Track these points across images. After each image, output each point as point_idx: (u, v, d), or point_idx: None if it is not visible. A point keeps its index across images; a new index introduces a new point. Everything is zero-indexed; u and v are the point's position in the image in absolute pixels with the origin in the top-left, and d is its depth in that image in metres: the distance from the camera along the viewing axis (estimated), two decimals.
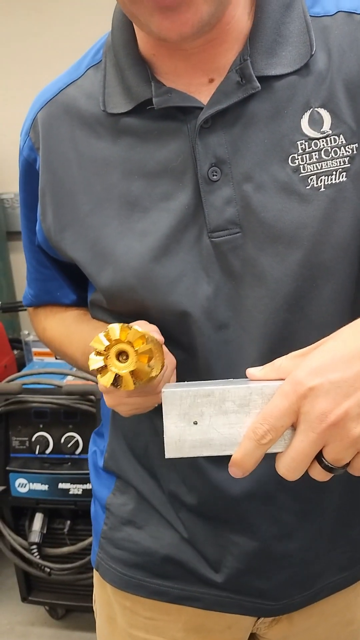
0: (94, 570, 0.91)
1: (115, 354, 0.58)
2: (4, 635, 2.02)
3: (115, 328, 0.57)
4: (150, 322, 0.71)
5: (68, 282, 0.86)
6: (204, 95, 0.66)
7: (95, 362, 0.58)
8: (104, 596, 0.91)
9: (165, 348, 0.64)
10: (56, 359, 2.01)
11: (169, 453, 0.56)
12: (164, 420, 0.56)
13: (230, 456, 0.55)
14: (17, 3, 2.59)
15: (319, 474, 0.54)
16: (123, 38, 0.69)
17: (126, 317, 0.74)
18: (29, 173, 0.78)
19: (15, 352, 2.35)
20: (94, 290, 0.78)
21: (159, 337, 0.62)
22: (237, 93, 0.64)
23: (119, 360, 0.58)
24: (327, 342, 0.54)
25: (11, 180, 2.72)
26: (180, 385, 0.57)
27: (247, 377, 0.58)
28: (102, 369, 0.58)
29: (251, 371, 0.57)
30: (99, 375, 0.59)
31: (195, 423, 0.55)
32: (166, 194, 0.68)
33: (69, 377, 1.84)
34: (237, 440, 0.54)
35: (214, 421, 0.55)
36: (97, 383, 0.94)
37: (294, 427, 0.52)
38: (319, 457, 0.52)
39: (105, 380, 0.58)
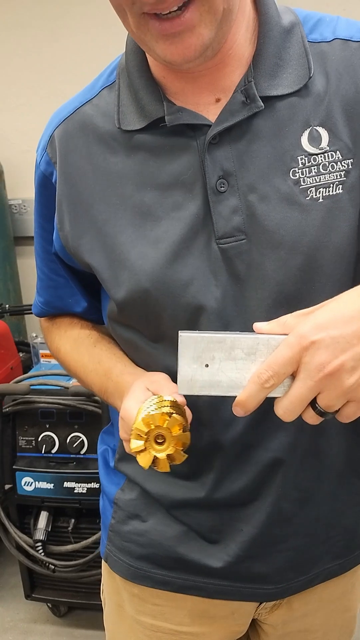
0: (103, 561, 0.96)
1: (154, 437, 0.65)
2: (7, 632, 2.06)
3: (157, 415, 0.64)
4: (160, 331, 0.76)
5: (80, 289, 0.91)
6: (211, 113, 0.72)
7: (136, 444, 0.65)
8: (113, 585, 0.96)
9: None
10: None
11: (182, 390, 0.64)
12: (178, 360, 0.63)
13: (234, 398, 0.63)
14: (30, 15, 2.66)
15: (311, 418, 0.62)
16: (136, 61, 0.75)
17: (138, 330, 0.79)
18: (45, 186, 0.84)
19: (21, 354, 2.39)
20: (107, 301, 0.82)
21: (181, 399, 0.68)
22: (243, 112, 0.70)
23: (157, 442, 0.65)
24: (330, 303, 0.62)
25: (19, 187, 2.77)
26: (195, 332, 0.64)
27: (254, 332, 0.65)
28: (142, 451, 0.66)
29: (258, 325, 0.65)
30: (137, 456, 0.66)
31: (207, 366, 0.63)
32: (177, 204, 0.73)
33: (75, 379, 1.88)
34: (242, 384, 0.62)
35: (223, 365, 0.63)
36: None
37: (292, 376, 0.60)
38: (312, 404, 0.61)
39: (144, 462, 0.66)
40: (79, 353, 0.91)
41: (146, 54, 0.74)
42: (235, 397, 0.63)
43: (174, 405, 0.66)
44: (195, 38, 0.63)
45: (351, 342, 0.58)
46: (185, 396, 0.67)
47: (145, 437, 0.65)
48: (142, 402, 0.68)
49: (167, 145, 0.73)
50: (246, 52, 0.72)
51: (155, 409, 0.65)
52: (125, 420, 0.71)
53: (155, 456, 0.66)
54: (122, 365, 0.83)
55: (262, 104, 0.69)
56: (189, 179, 0.73)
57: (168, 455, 0.65)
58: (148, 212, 0.74)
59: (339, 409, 0.61)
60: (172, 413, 0.65)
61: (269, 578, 0.85)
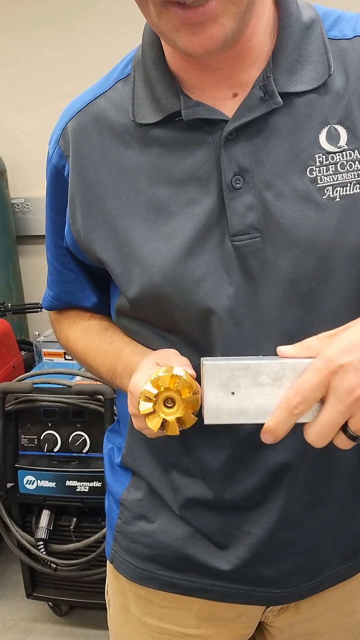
0: (108, 562, 0.95)
1: (163, 401, 0.64)
2: (8, 631, 2.05)
3: (166, 377, 0.63)
4: (174, 324, 0.76)
5: (90, 284, 0.90)
6: (228, 108, 0.71)
7: (145, 407, 0.64)
8: (119, 586, 0.95)
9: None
10: (65, 359, 2.06)
11: (208, 420, 0.63)
12: (204, 389, 0.62)
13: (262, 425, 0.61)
14: (35, 16, 2.65)
15: (343, 443, 0.61)
16: (153, 54, 0.74)
17: (150, 322, 0.79)
18: (56, 179, 0.83)
19: (23, 353, 2.39)
20: (117, 295, 0.82)
21: (191, 372, 0.67)
22: (260, 107, 0.69)
23: (166, 406, 0.64)
24: (355, 324, 0.61)
25: (21, 186, 2.77)
26: (218, 359, 0.63)
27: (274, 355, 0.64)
28: (151, 414, 0.64)
29: (282, 349, 0.64)
30: (147, 419, 0.65)
31: (233, 393, 0.62)
32: (191, 199, 0.72)
33: (78, 377, 1.88)
34: (269, 410, 0.61)
35: (249, 392, 0.61)
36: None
37: (321, 400, 0.59)
38: (344, 428, 0.59)
39: (153, 425, 0.65)
40: (89, 338, 0.90)
41: (163, 47, 0.73)
42: (263, 424, 0.62)
43: (185, 373, 0.65)
44: (218, 29, 0.62)
45: None
46: None
47: (155, 399, 0.64)
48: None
49: (183, 140, 0.72)
50: (265, 46, 0.71)
51: (164, 372, 0.64)
52: (134, 393, 0.69)
53: (164, 419, 0.64)
54: (134, 346, 0.82)
55: (281, 100, 0.68)
56: (204, 175, 0.72)
57: (178, 419, 0.64)
58: (162, 207, 0.73)
59: None
60: (181, 376, 0.64)
61: (277, 582, 0.84)
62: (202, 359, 0.64)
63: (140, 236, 0.74)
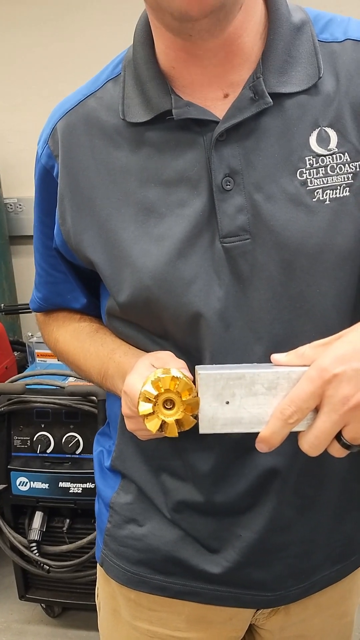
0: (98, 565, 0.94)
1: (163, 402, 0.64)
2: (0, 633, 2.04)
3: (167, 378, 0.63)
4: (163, 326, 0.75)
5: (80, 285, 0.89)
6: (219, 109, 0.71)
7: (144, 407, 0.64)
8: (109, 590, 0.94)
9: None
10: (58, 360, 2.05)
11: (203, 429, 0.63)
12: (199, 399, 0.62)
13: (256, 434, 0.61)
14: (29, 15, 2.64)
15: (337, 451, 0.61)
16: (144, 52, 0.73)
17: (140, 325, 0.78)
18: (45, 180, 0.82)
19: (16, 354, 2.38)
20: (107, 297, 0.81)
21: (189, 374, 0.66)
22: (251, 108, 0.68)
23: (166, 408, 0.64)
24: (348, 333, 0.61)
25: (14, 186, 2.76)
26: (213, 368, 0.63)
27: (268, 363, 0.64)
28: (150, 415, 0.64)
29: (276, 357, 0.63)
30: (145, 420, 0.64)
31: (227, 403, 0.62)
32: (181, 201, 0.72)
33: (71, 379, 1.87)
34: (264, 419, 0.61)
35: (244, 402, 0.61)
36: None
37: (316, 409, 0.59)
38: (338, 436, 0.59)
39: (152, 426, 0.64)
40: (79, 340, 0.89)
41: (155, 46, 0.73)
42: (258, 432, 0.62)
43: (183, 375, 0.65)
44: None
45: None
46: None
47: (154, 400, 0.64)
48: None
49: (173, 141, 0.72)
50: (256, 46, 0.70)
51: (163, 373, 0.64)
52: (129, 394, 0.69)
53: (163, 420, 0.64)
54: (126, 347, 0.81)
55: (271, 100, 0.68)
56: (194, 176, 0.71)
57: (177, 421, 0.64)
58: (152, 208, 0.73)
59: None
60: (181, 378, 0.63)
61: (268, 585, 0.84)
62: (196, 367, 0.63)
63: (130, 237, 0.74)
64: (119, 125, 0.75)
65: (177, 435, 0.65)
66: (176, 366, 0.67)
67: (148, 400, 0.64)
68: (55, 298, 0.92)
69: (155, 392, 0.63)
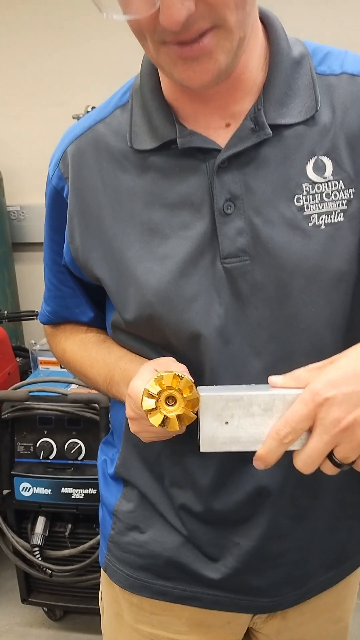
0: (102, 570, 0.98)
1: (165, 398, 0.67)
2: (3, 636, 2.07)
3: (169, 376, 0.67)
4: (166, 341, 0.79)
5: (87, 300, 0.93)
6: (221, 138, 0.74)
7: (147, 403, 0.67)
8: (112, 594, 0.98)
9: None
10: (61, 367, 2.08)
11: (204, 448, 0.67)
12: (199, 419, 0.66)
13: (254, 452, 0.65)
14: (30, 24, 2.68)
15: (329, 469, 0.65)
16: (150, 84, 0.77)
17: (144, 338, 0.82)
18: (56, 200, 0.86)
19: (19, 359, 2.41)
20: (112, 310, 0.85)
21: (189, 377, 0.70)
22: (251, 138, 0.72)
23: (168, 404, 0.67)
24: (340, 359, 0.64)
25: (17, 194, 2.80)
26: (213, 390, 0.67)
27: (265, 384, 0.68)
28: (153, 410, 0.68)
29: (273, 379, 0.67)
30: (149, 415, 0.68)
31: (227, 423, 0.66)
32: (185, 223, 0.76)
33: (74, 386, 1.91)
34: (261, 439, 0.65)
35: (242, 422, 0.65)
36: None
37: (309, 430, 0.63)
38: (329, 455, 0.63)
39: (154, 421, 0.68)
40: (86, 349, 0.93)
41: (160, 78, 0.77)
42: (255, 451, 0.66)
43: (184, 375, 0.68)
44: (213, 63, 0.65)
45: None
46: None
47: (157, 396, 0.67)
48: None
49: (178, 167, 0.76)
50: (257, 79, 0.74)
51: (166, 372, 0.67)
52: (133, 397, 0.72)
53: (165, 416, 0.68)
54: (132, 355, 0.85)
55: (271, 131, 0.72)
56: (197, 200, 0.75)
57: (178, 416, 0.67)
58: (156, 229, 0.77)
59: (355, 460, 0.64)
60: (183, 376, 0.67)
61: (264, 591, 0.87)
62: (198, 388, 0.67)
63: (135, 256, 0.78)
64: (126, 151, 0.78)
65: (178, 429, 0.68)
66: (178, 369, 0.71)
67: (151, 396, 0.67)
68: (64, 311, 0.96)
69: (158, 389, 0.67)
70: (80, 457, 1.79)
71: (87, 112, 2.42)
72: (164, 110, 0.76)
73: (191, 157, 0.75)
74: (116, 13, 0.63)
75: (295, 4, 2.45)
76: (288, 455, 0.66)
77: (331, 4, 2.46)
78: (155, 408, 0.67)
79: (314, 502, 0.84)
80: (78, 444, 1.78)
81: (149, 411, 0.68)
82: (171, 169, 0.76)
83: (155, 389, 0.67)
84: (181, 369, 0.72)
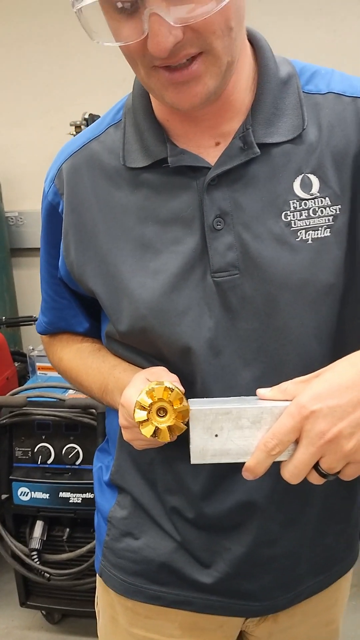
0: (98, 576, 1.00)
1: (156, 410, 0.69)
2: (2, 639, 2.09)
3: (160, 388, 0.69)
4: (159, 352, 0.81)
5: (83, 311, 0.96)
6: (211, 156, 0.77)
7: (139, 414, 0.70)
8: (107, 599, 1.00)
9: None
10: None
11: (194, 460, 0.69)
12: (190, 432, 0.68)
13: (243, 463, 0.67)
14: (30, 32, 2.70)
15: (316, 479, 0.67)
16: (142, 104, 0.80)
17: (137, 348, 0.84)
18: (52, 215, 0.88)
19: (17, 364, 2.43)
20: (107, 322, 0.87)
21: (180, 387, 0.72)
22: (240, 157, 0.75)
23: (159, 416, 0.70)
24: (325, 372, 0.66)
25: (16, 200, 2.82)
26: (204, 403, 0.69)
27: (254, 396, 0.70)
28: (145, 422, 0.70)
29: (261, 391, 0.70)
30: (140, 426, 0.70)
31: (216, 435, 0.68)
32: (176, 238, 0.78)
33: (71, 391, 1.92)
34: (250, 450, 0.67)
35: (231, 434, 0.67)
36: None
37: (296, 441, 0.65)
38: (316, 466, 0.65)
39: (146, 432, 0.70)
40: (81, 358, 0.95)
41: (151, 99, 0.79)
42: (244, 462, 0.68)
43: (175, 387, 0.70)
44: (201, 87, 0.68)
45: (347, 410, 0.62)
46: None
47: (149, 408, 0.69)
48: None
49: (169, 184, 0.78)
50: (246, 99, 0.76)
51: (157, 384, 0.70)
52: (125, 406, 0.75)
53: (157, 427, 0.70)
54: (126, 364, 0.87)
55: (259, 150, 0.74)
56: (188, 216, 0.77)
57: (169, 427, 0.70)
58: (149, 244, 0.79)
59: (340, 470, 0.66)
60: (174, 388, 0.69)
61: (255, 595, 0.89)
62: (188, 401, 0.69)
63: (128, 270, 0.80)
64: (120, 168, 0.81)
65: (169, 440, 0.71)
66: (169, 379, 0.73)
67: (143, 408, 0.70)
68: (60, 322, 0.99)
69: (149, 401, 0.69)
70: (78, 462, 1.81)
71: (85, 119, 2.45)
72: (156, 129, 0.78)
73: (182, 174, 0.77)
74: (106, 40, 0.65)
75: (291, 19, 2.48)
76: (277, 464, 0.68)
77: (325, 13, 2.49)
78: (147, 419, 0.70)
79: (303, 509, 0.87)
80: (76, 449, 1.80)
81: (141, 422, 0.70)
82: (163, 186, 0.78)
83: (146, 401, 0.69)
84: (173, 379, 0.75)
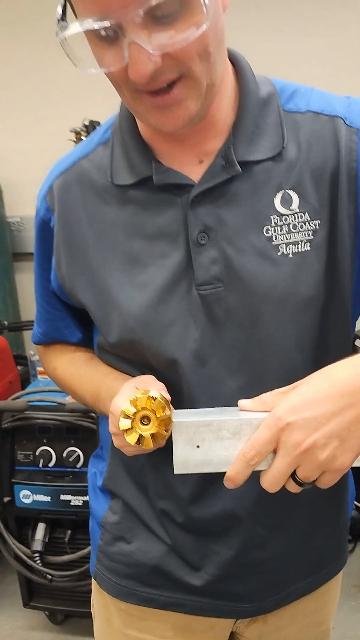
0: (93, 579, 1.03)
1: (140, 419, 0.72)
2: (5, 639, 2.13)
3: (143, 398, 0.72)
4: (146, 362, 0.84)
5: (75, 322, 0.99)
6: (194, 173, 0.79)
7: (124, 423, 0.73)
8: (102, 601, 1.03)
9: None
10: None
11: (177, 470, 0.72)
12: (173, 444, 0.71)
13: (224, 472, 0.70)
14: (29, 38, 2.73)
15: (293, 488, 0.70)
16: (128, 125, 0.83)
17: (127, 358, 0.87)
18: (44, 230, 0.91)
19: (20, 367, 2.46)
20: (98, 333, 0.90)
21: (166, 395, 0.75)
22: (222, 174, 0.77)
23: (143, 424, 0.72)
24: (301, 385, 0.68)
25: (17, 205, 2.85)
26: (186, 415, 0.72)
27: (236, 406, 0.73)
28: (129, 430, 0.73)
29: (242, 402, 0.72)
30: (125, 434, 0.73)
31: (198, 447, 0.71)
32: (163, 253, 0.81)
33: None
34: (230, 461, 0.70)
35: (212, 445, 0.70)
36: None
37: (274, 451, 0.67)
38: (292, 475, 0.68)
39: (130, 439, 0.73)
40: (75, 366, 0.98)
41: (136, 120, 0.82)
42: (225, 472, 0.70)
43: (159, 396, 0.73)
44: (183, 110, 0.70)
45: (321, 422, 0.64)
46: None
47: (133, 417, 0.72)
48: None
49: (155, 200, 0.81)
50: (228, 118, 0.79)
51: (142, 393, 0.72)
52: (115, 414, 0.77)
53: (140, 434, 0.72)
54: (117, 373, 0.90)
55: (240, 168, 0.77)
56: (173, 231, 0.80)
57: (152, 435, 0.72)
58: (136, 258, 0.82)
59: (316, 479, 0.68)
60: (157, 398, 0.72)
61: (245, 597, 0.92)
62: (172, 412, 0.72)
63: (116, 284, 0.83)
64: (108, 185, 0.83)
65: (152, 447, 0.73)
66: (156, 387, 0.76)
67: (127, 417, 0.73)
68: (54, 333, 1.02)
69: (133, 410, 0.72)
70: (79, 465, 1.84)
71: (85, 125, 2.47)
72: (142, 149, 0.81)
73: (167, 191, 0.80)
74: (91, 66, 0.68)
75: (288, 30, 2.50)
76: (258, 472, 0.71)
77: (321, 19, 2.51)
78: (131, 427, 0.73)
79: (289, 514, 0.89)
80: (76, 452, 1.83)
81: (125, 431, 0.73)
82: (149, 203, 0.81)
83: (130, 410, 0.72)
84: (160, 387, 0.77)
